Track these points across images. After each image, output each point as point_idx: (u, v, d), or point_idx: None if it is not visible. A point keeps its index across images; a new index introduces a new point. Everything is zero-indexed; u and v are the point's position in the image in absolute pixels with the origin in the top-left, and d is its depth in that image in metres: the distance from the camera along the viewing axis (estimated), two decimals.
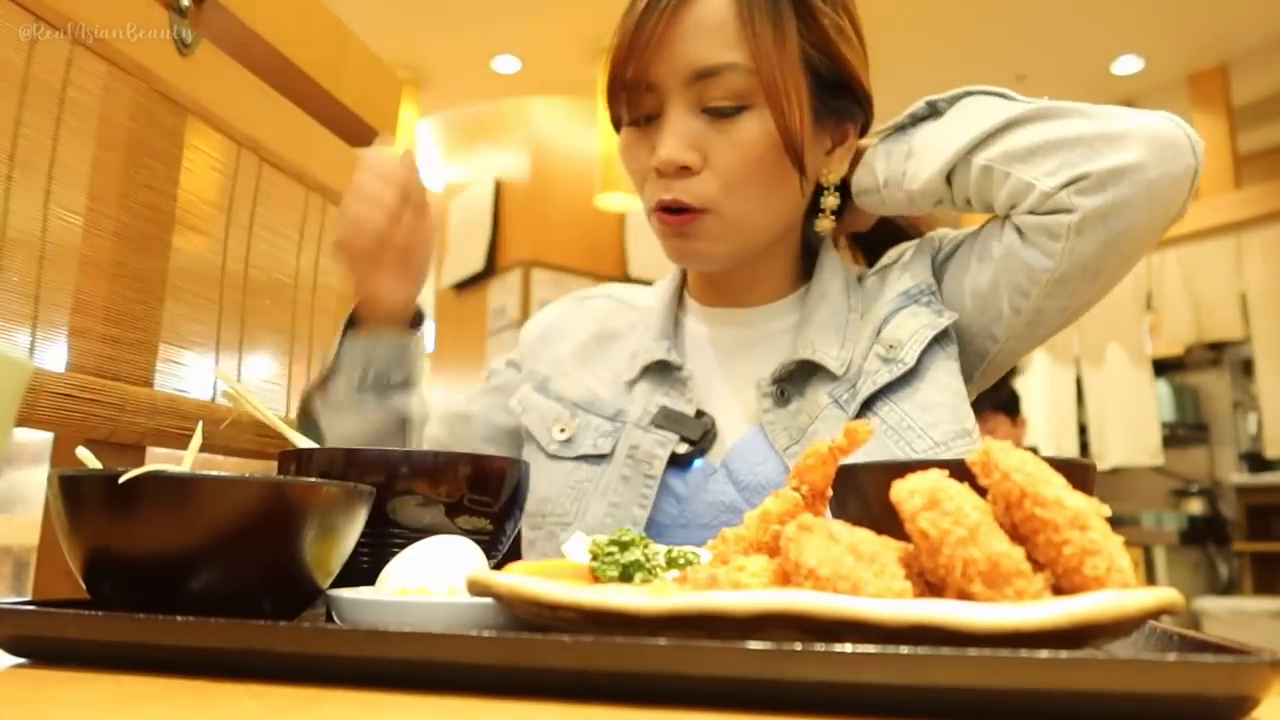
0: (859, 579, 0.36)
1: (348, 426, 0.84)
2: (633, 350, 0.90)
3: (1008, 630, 0.32)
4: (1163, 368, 4.89)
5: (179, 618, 0.40)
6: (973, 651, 0.31)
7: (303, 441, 0.69)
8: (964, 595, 0.35)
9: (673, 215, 0.80)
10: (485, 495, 0.62)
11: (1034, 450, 0.52)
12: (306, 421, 0.86)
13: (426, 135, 5.22)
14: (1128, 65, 4.44)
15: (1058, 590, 0.36)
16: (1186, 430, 4.89)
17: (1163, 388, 4.86)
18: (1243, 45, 4.29)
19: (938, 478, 0.38)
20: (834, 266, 0.90)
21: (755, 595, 0.35)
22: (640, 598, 0.37)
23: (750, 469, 0.80)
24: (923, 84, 0.85)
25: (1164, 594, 0.33)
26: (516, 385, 0.95)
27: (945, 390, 0.79)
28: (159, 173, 0.85)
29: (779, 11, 0.78)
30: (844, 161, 0.86)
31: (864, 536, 0.39)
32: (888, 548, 0.38)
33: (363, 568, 0.58)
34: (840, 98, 0.84)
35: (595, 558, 0.49)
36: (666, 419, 0.83)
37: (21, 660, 0.43)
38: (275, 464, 0.65)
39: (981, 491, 0.38)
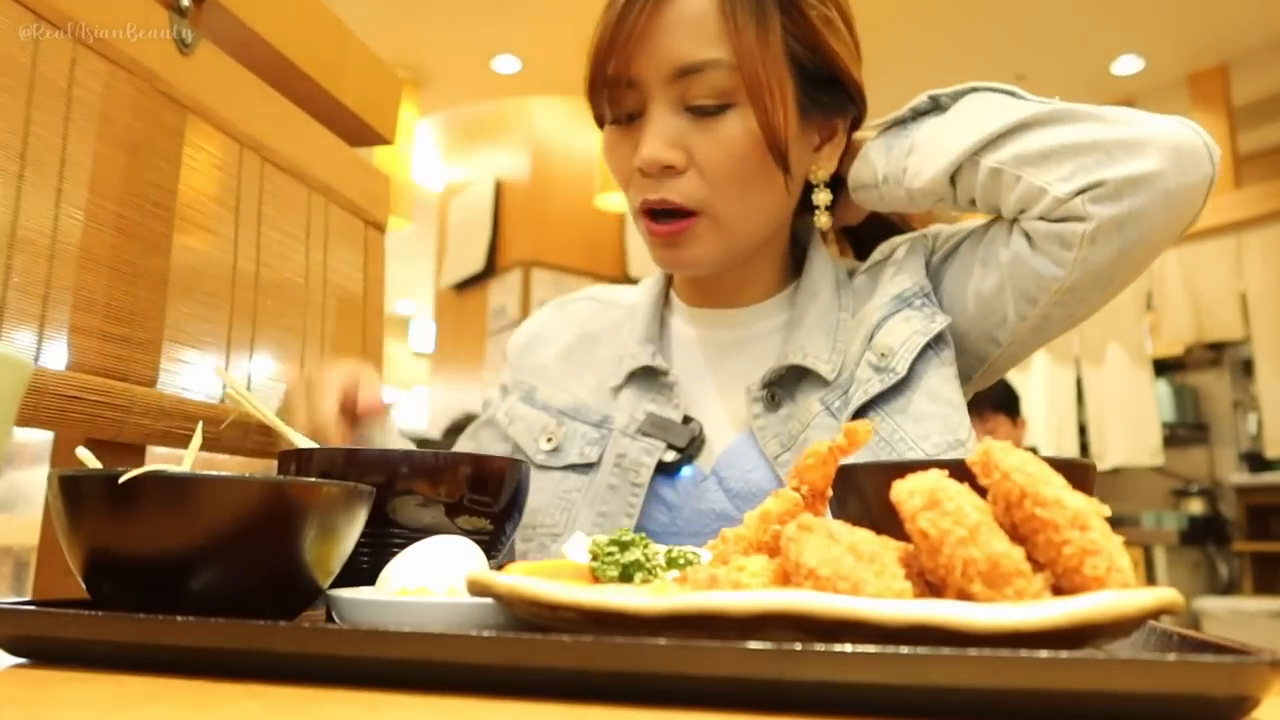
0: (859, 579, 0.36)
1: None
2: (618, 354, 0.89)
3: (1008, 630, 0.32)
4: (1163, 368, 4.89)
5: (179, 618, 0.40)
6: (973, 651, 0.31)
7: (303, 441, 0.69)
8: (964, 595, 0.35)
9: (661, 225, 0.79)
10: (485, 495, 0.62)
11: (1034, 450, 0.52)
12: None
13: (426, 135, 5.23)
14: (1128, 65, 4.44)
15: (1058, 590, 0.36)
16: (1186, 430, 4.89)
17: (1163, 388, 4.86)
18: (1243, 45, 4.29)
19: (938, 478, 0.38)
20: (824, 264, 0.88)
21: (755, 595, 0.35)
22: (640, 598, 0.37)
23: (740, 476, 0.79)
24: (922, 84, 0.84)
25: (1164, 594, 0.33)
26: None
27: (937, 399, 0.77)
28: (161, 171, 0.85)
29: (762, 5, 0.76)
30: (833, 158, 0.84)
31: (864, 536, 0.39)
32: (888, 548, 0.38)
33: (363, 568, 0.58)
34: (828, 92, 0.81)
35: (595, 558, 0.49)
36: (653, 426, 0.82)
37: (21, 660, 0.43)
38: (275, 464, 0.65)
39: (981, 491, 0.38)
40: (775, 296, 0.88)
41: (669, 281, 0.94)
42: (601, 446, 0.84)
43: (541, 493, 0.85)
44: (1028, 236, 0.75)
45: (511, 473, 0.64)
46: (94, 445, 0.52)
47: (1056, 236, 0.72)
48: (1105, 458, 4.70)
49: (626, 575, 0.48)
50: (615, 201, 4.17)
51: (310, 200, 1.07)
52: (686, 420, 0.83)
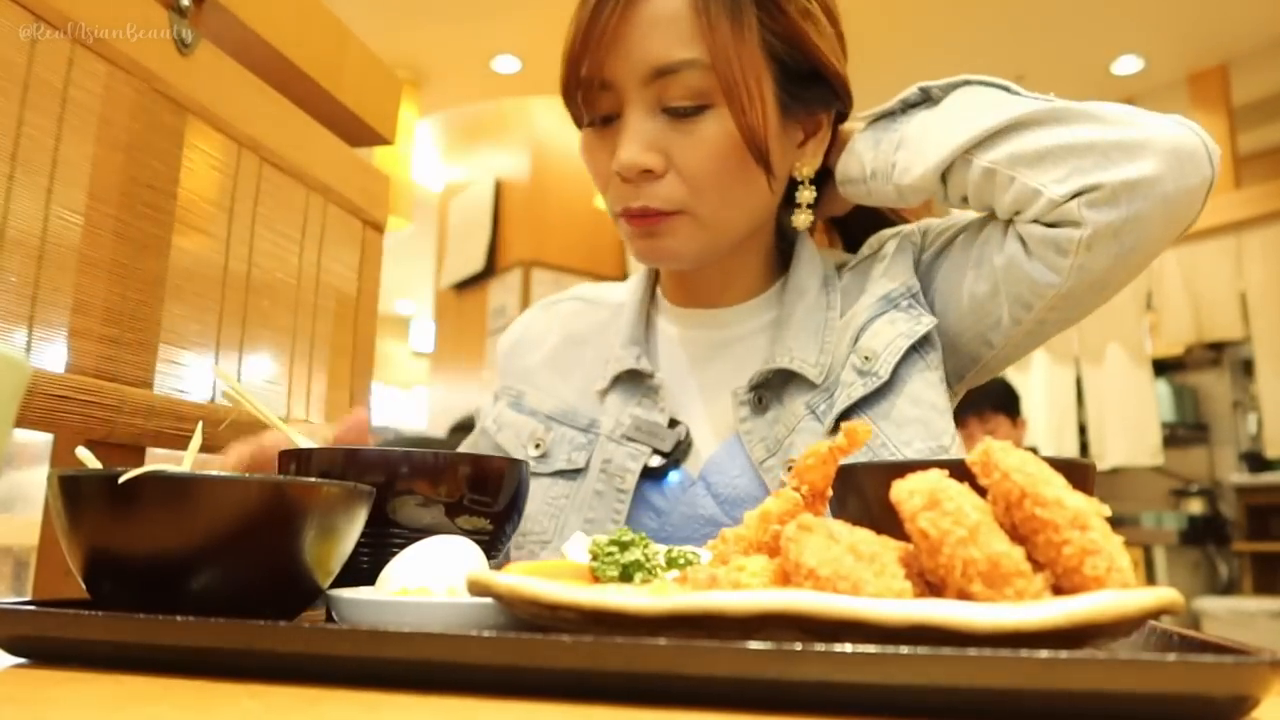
0: (859, 579, 0.36)
1: None
2: (604, 356, 0.88)
3: (1008, 630, 0.32)
4: (1163, 368, 4.89)
5: (179, 618, 0.40)
6: (973, 651, 0.31)
7: (303, 441, 0.69)
8: (964, 595, 0.35)
9: (641, 216, 0.77)
10: (485, 495, 0.62)
11: (1034, 450, 0.52)
12: None
13: (426, 135, 5.23)
14: (1128, 65, 4.45)
15: (1058, 590, 0.36)
16: (1186, 430, 4.89)
17: (1163, 388, 4.86)
18: (1243, 45, 4.29)
19: (938, 478, 0.38)
20: (811, 261, 0.86)
21: (755, 595, 0.35)
22: (640, 598, 0.37)
23: (728, 481, 0.78)
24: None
25: (1164, 594, 0.33)
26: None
27: (920, 404, 0.76)
28: (159, 172, 0.85)
29: (738, 2, 0.73)
30: (818, 154, 0.82)
31: (864, 536, 0.39)
32: (888, 548, 0.38)
33: (363, 568, 0.58)
34: (811, 87, 0.79)
35: (595, 558, 0.49)
36: (638, 431, 0.81)
37: (21, 660, 0.43)
38: (275, 464, 0.65)
39: (981, 491, 0.38)
40: (761, 295, 0.86)
41: (655, 279, 0.93)
42: (588, 452, 0.83)
43: (530, 499, 0.83)
44: (1022, 241, 0.73)
45: (511, 473, 0.64)
46: (93, 446, 0.52)
47: (1052, 242, 0.70)
48: (1105, 458, 4.71)
49: (626, 575, 0.48)
50: None
51: (309, 201, 1.07)
52: (673, 424, 0.81)
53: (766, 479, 0.77)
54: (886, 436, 0.74)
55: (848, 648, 0.32)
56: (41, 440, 0.83)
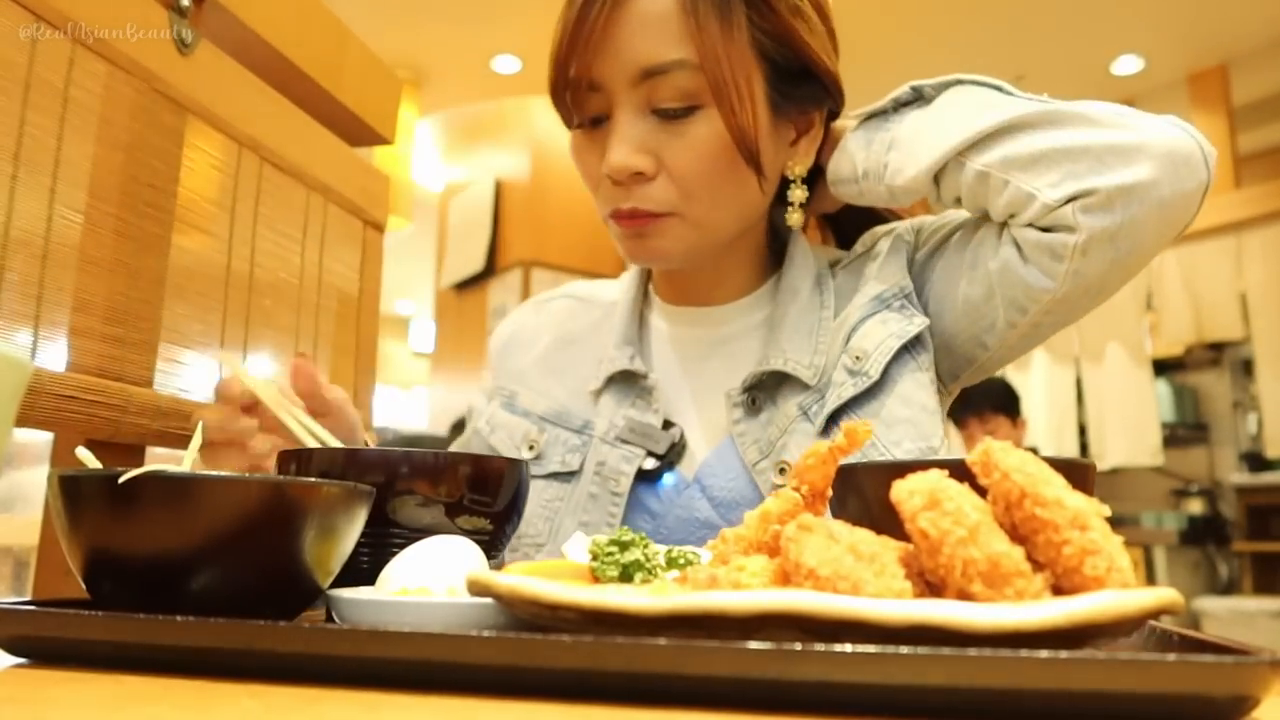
0: (859, 579, 0.36)
1: None
2: (597, 356, 0.87)
3: (1008, 630, 0.32)
4: (1163, 368, 4.89)
5: (179, 618, 0.40)
6: (973, 651, 0.31)
7: (308, 440, 0.69)
8: (964, 595, 0.35)
9: (631, 218, 0.77)
10: (485, 495, 0.62)
11: (1034, 450, 0.52)
12: None
13: (426, 135, 5.23)
14: (1128, 65, 4.45)
15: (1058, 590, 0.36)
16: (1186, 430, 4.90)
17: (1163, 388, 4.86)
18: (1243, 45, 4.29)
19: (938, 478, 0.38)
20: (804, 258, 0.85)
21: (755, 595, 0.35)
22: (640, 598, 0.37)
23: (723, 484, 0.78)
24: None
25: (1164, 594, 0.33)
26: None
27: (910, 404, 0.75)
28: (160, 172, 0.85)
29: (727, 1, 0.72)
30: (810, 152, 0.82)
31: (864, 536, 0.39)
32: (888, 548, 0.38)
33: (363, 568, 0.58)
34: (802, 85, 0.78)
35: (595, 558, 0.49)
36: (632, 433, 0.81)
37: (21, 660, 0.43)
38: (275, 464, 0.65)
39: (981, 491, 0.38)
40: (754, 293, 0.86)
41: (647, 277, 0.92)
42: (582, 454, 0.83)
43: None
44: (1017, 245, 0.72)
45: (511, 473, 0.64)
46: (93, 446, 0.52)
47: (1047, 248, 0.70)
48: (1105, 458, 4.71)
49: (626, 575, 0.48)
50: None
51: (309, 200, 1.07)
52: (667, 425, 0.81)
53: (759, 481, 0.76)
54: (876, 436, 0.74)
55: (848, 648, 0.32)
56: (41, 440, 0.83)
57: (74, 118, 0.76)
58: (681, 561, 0.50)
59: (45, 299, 0.73)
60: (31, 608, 0.44)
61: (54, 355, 0.74)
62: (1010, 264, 0.73)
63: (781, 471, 0.75)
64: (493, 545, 0.63)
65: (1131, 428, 4.67)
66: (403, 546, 0.52)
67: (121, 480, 0.43)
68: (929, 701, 0.31)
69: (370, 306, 1.18)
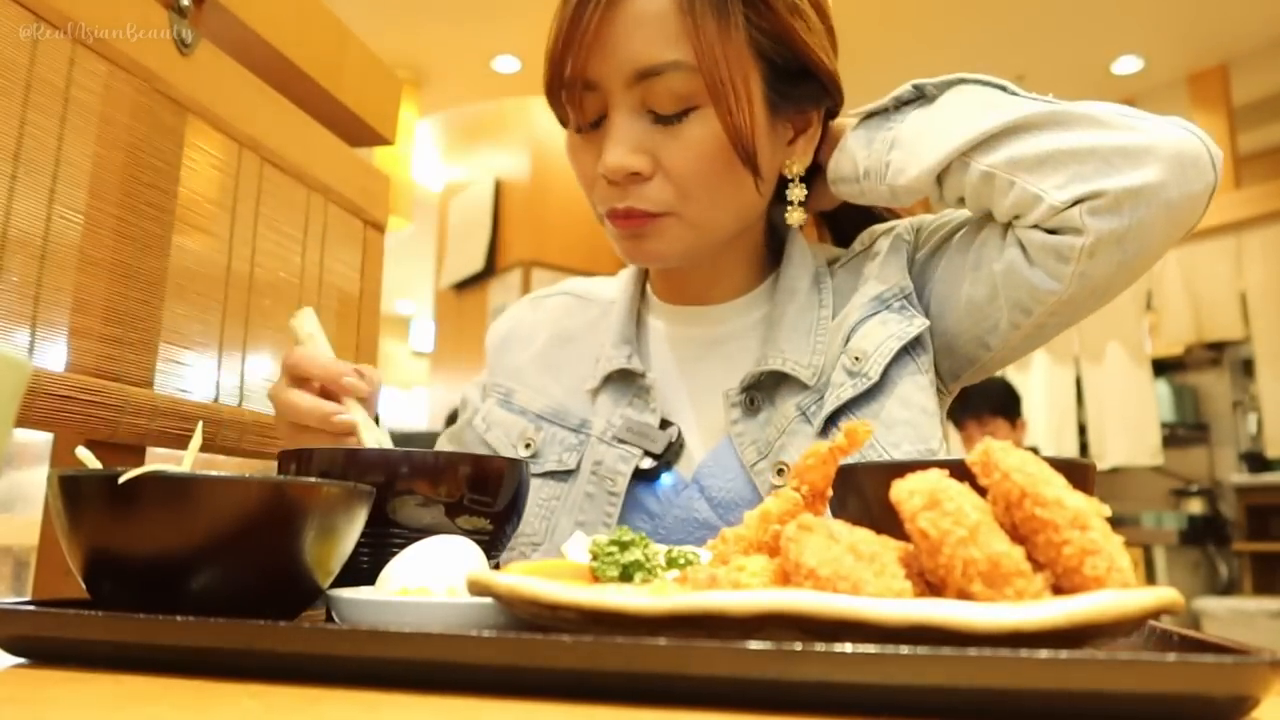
0: (859, 579, 0.36)
1: None
2: (595, 355, 0.87)
3: (1008, 630, 0.32)
4: (1162, 368, 4.89)
5: (179, 618, 0.40)
6: (973, 651, 0.31)
7: (370, 431, 0.69)
8: (964, 595, 0.35)
9: (627, 218, 0.76)
10: (485, 495, 0.62)
11: (1034, 450, 0.52)
12: None
13: (426, 135, 5.23)
14: (1128, 65, 4.45)
15: (1058, 590, 0.36)
16: (1186, 430, 4.90)
17: (1162, 388, 4.86)
18: (1243, 45, 4.29)
19: (938, 478, 0.38)
20: (803, 257, 0.85)
21: (755, 595, 0.35)
22: (640, 598, 0.37)
23: (722, 485, 0.78)
24: None
25: (1164, 594, 0.33)
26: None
27: (910, 406, 0.75)
28: (160, 172, 0.85)
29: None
30: (808, 152, 0.81)
31: (864, 536, 0.39)
32: (888, 548, 0.38)
33: (363, 568, 0.58)
34: (800, 84, 0.78)
35: (595, 558, 0.49)
36: (629, 432, 0.80)
37: (21, 660, 0.43)
38: (275, 464, 0.65)
39: (981, 491, 0.38)
40: (752, 292, 0.86)
41: (645, 275, 0.92)
42: (579, 453, 0.83)
43: None
44: (1022, 247, 0.72)
45: (511, 473, 0.64)
46: (94, 446, 0.52)
47: (1053, 250, 0.69)
48: (1105, 458, 4.71)
49: (626, 575, 0.48)
50: None
51: (309, 200, 1.07)
52: (664, 425, 0.81)
53: (758, 482, 0.76)
54: (875, 438, 0.74)
55: (848, 648, 0.32)
56: (41, 440, 0.83)
57: (74, 118, 0.76)
58: (681, 561, 0.50)
59: (44, 299, 0.73)
60: (31, 608, 0.44)
61: (53, 355, 0.74)
62: (1015, 265, 0.72)
63: (780, 472, 0.75)
64: (493, 545, 0.63)
65: (1131, 428, 4.67)
66: (403, 546, 0.52)
67: (121, 480, 0.43)
68: (929, 701, 0.31)
69: (370, 306, 1.18)
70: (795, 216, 0.82)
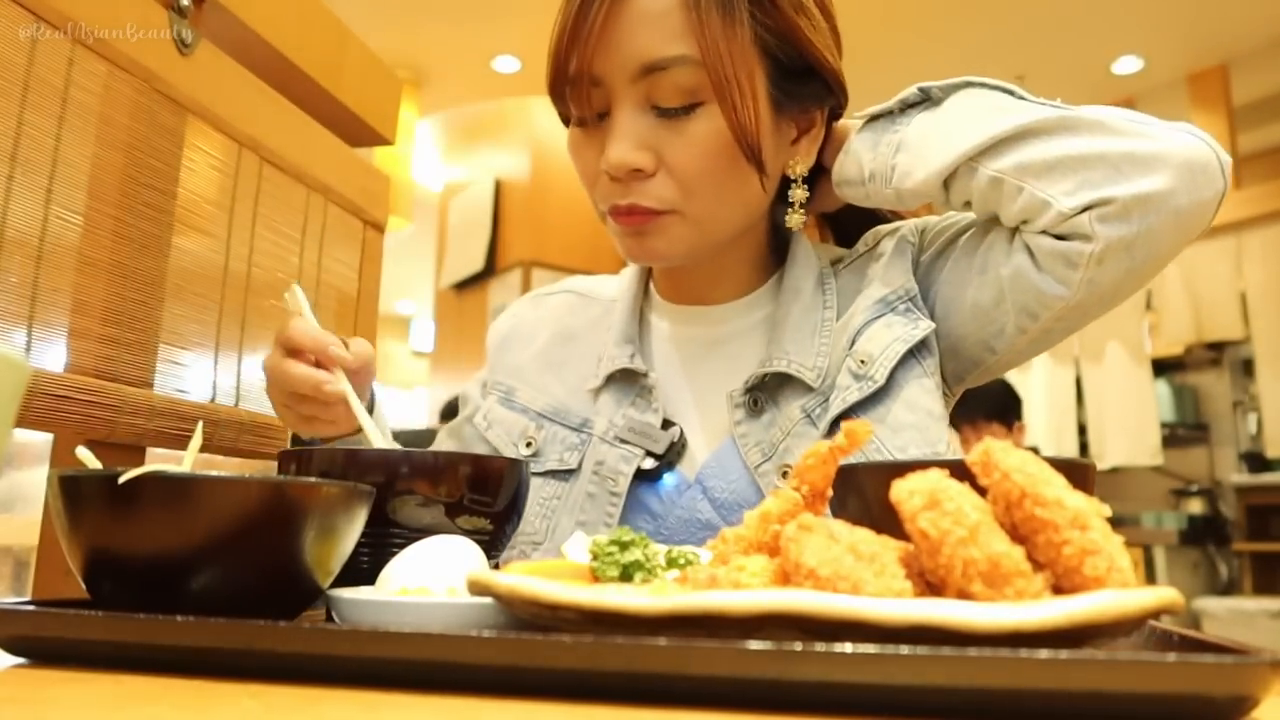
0: (859, 579, 0.36)
1: None
2: (597, 353, 0.87)
3: (1008, 630, 0.32)
4: (1162, 367, 4.90)
5: (179, 618, 0.40)
6: (973, 651, 0.31)
7: (369, 427, 0.69)
8: (964, 595, 0.35)
9: (629, 214, 0.76)
10: (485, 495, 0.62)
11: (1034, 450, 0.51)
12: None
13: (426, 135, 5.23)
14: (1128, 65, 4.45)
15: (1058, 590, 0.36)
16: (1186, 430, 4.90)
17: (1162, 388, 4.86)
18: (1243, 45, 4.29)
19: (938, 478, 0.38)
20: (807, 258, 0.84)
21: (755, 595, 0.35)
22: (640, 598, 0.37)
23: (725, 485, 0.78)
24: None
25: (1164, 594, 0.33)
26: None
27: (916, 409, 0.75)
28: (159, 172, 0.85)
29: None
30: (811, 151, 0.81)
31: (864, 536, 0.39)
32: (888, 548, 0.38)
33: (363, 568, 0.58)
34: (804, 83, 0.77)
35: (595, 558, 0.49)
36: (631, 432, 0.80)
37: (21, 660, 0.43)
38: (275, 464, 0.65)
39: (981, 491, 0.38)
40: (754, 292, 0.85)
41: (648, 274, 0.91)
42: (581, 452, 0.82)
43: None
44: (1030, 252, 0.71)
45: (511, 473, 0.64)
46: (93, 446, 0.52)
47: (1062, 256, 0.69)
48: (1105, 458, 4.71)
49: (626, 575, 0.48)
50: None
51: (309, 200, 1.07)
52: (666, 425, 0.80)
53: (761, 484, 0.76)
54: (881, 441, 0.74)
55: (848, 648, 0.32)
56: (41, 440, 0.83)
57: (73, 118, 0.76)
58: (681, 561, 0.50)
59: (42, 299, 0.73)
60: (31, 608, 0.44)
61: (51, 356, 0.74)
62: (1023, 270, 0.72)
63: (785, 475, 0.75)
64: (493, 545, 0.63)
65: (1131, 428, 4.68)
66: (403, 546, 0.52)
67: (121, 480, 0.43)
68: (929, 701, 0.31)
69: (370, 306, 1.18)
70: (795, 219, 0.82)
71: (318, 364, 0.72)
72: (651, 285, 0.91)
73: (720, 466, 0.79)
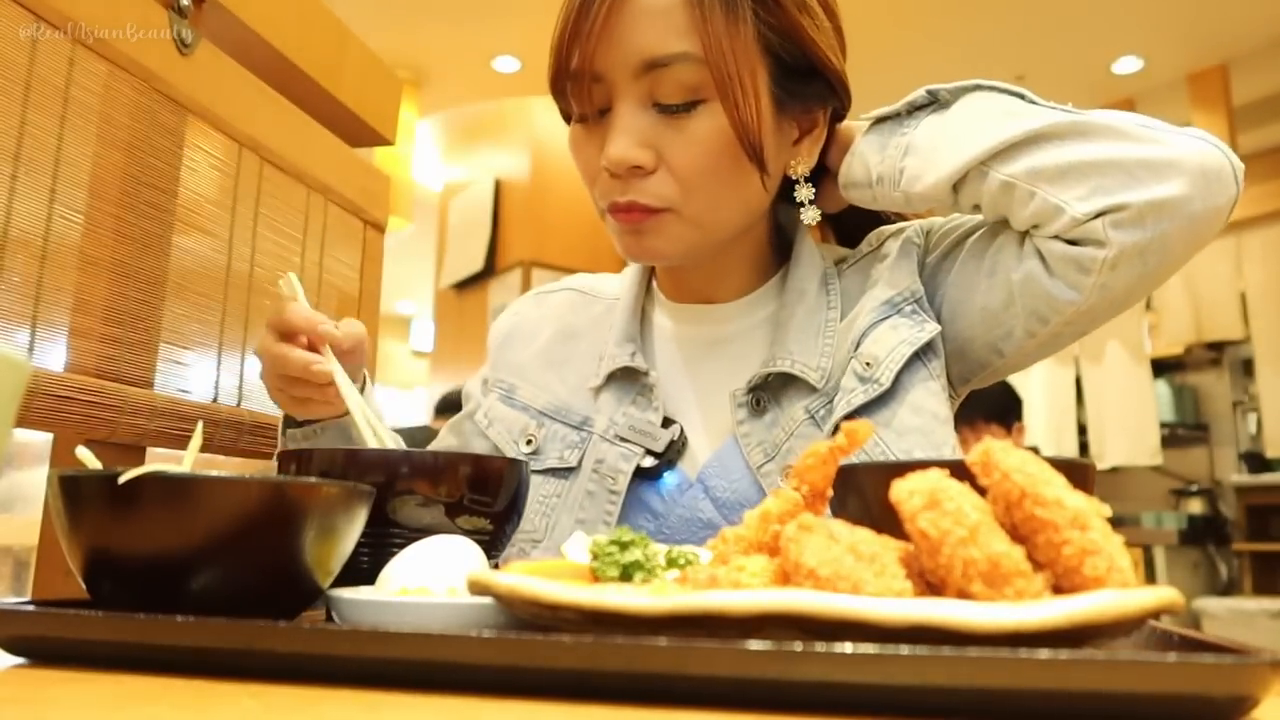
0: (859, 579, 0.36)
1: None
2: (599, 351, 0.87)
3: (1008, 630, 0.32)
4: (1162, 367, 4.90)
5: (179, 618, 0.40)
6: (973, 651, 0.31)
7: (364, 423, 0.70)
8: (964, 595, 0.35)
9: (628, 211, 0.75)
10: (485, 495, 0.62)
11: (1034, 450, 0.51)
12: None
13: (426, 135, 5.23)
14: (1128, 65, 4.44)
15: (1058, 590, 0.36)
16: (1186, 430, 4.90)
17: (1162, 387, 4.87)
18: (1243, 45, 4.29)
19: (938, 478, 0.38)
20: (811, 257, 0.84)
21: (755, 595, 0.35)
22: (640, 598, 0.37)
23: (727, 485, 0.77)
24: (922, 84, 0.81)
25: (1164, 594, 0.33)
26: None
27: (922, 413, 0.75)
28: (160, 172, 0.85)
29: None
30: (813, 152, 0.81)
31: (864, 536, 0.39)
32: (888, 548, 0.38)
33: (363, 568, 0.58)
34: (807, 83, 0.77)
35: (595, 558, 0.49)
36: (631, 430, 0.80)
37: (21, 660, 0.43)
38: (275, 464, 0.65)
39: (981, 491, 0.38)
40: (757, 290, 0.85)
41: (650, 272, 0.91)
42: (581, 450, 0.82)
43: None
44: (1042, 257, 0.71)
45: (511, 473, 0.64)
46: (93, 445, 0.52)
47: (1074, 261, 0.69)
48: (1105, 458, 4.71)
49: (626, 575, 0.48)
50: None
51: (309, 200, 1.07)
52: (666, 424, 0.80)
53: (764, 484, 0.76)
54: (887, 445, 0.73)
55: (848, 648, 0.32)
56: (41, 440, 0.83)
57: (74, 117, 0.76)
58: (681, 561, 0.50)
59: (44, 299, 0.73)
60: (31, 608, 0.44)
61: (53, 355, 0.74)
62: (1034, 275, 0.72)
63: (786, 475, 0.75)
64: (493, 545, 0.63)
65: (1131, 428, 4.68)
66: (403, 546, 0.52)
67: (121, 480, 0.43)
68: (929, 701, 0.31)
69: (370, 306, 1.18)
70: (810, 215, 0.81)
71: (310, 347, 0.74)
72: (654, 283, 0.91)
73: (722, 466, 0.78)
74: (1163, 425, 4.73)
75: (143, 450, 0.84)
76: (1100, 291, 0.70)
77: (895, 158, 0.76)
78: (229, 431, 0.92)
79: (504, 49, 4.37)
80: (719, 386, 0.82)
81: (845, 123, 0.83)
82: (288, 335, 0.73)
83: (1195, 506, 4.73)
